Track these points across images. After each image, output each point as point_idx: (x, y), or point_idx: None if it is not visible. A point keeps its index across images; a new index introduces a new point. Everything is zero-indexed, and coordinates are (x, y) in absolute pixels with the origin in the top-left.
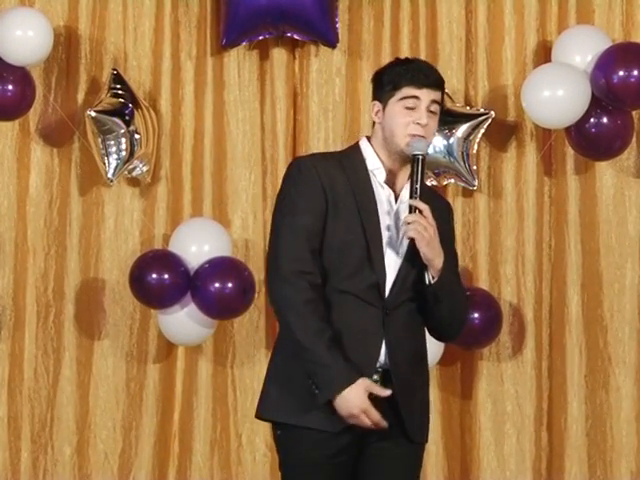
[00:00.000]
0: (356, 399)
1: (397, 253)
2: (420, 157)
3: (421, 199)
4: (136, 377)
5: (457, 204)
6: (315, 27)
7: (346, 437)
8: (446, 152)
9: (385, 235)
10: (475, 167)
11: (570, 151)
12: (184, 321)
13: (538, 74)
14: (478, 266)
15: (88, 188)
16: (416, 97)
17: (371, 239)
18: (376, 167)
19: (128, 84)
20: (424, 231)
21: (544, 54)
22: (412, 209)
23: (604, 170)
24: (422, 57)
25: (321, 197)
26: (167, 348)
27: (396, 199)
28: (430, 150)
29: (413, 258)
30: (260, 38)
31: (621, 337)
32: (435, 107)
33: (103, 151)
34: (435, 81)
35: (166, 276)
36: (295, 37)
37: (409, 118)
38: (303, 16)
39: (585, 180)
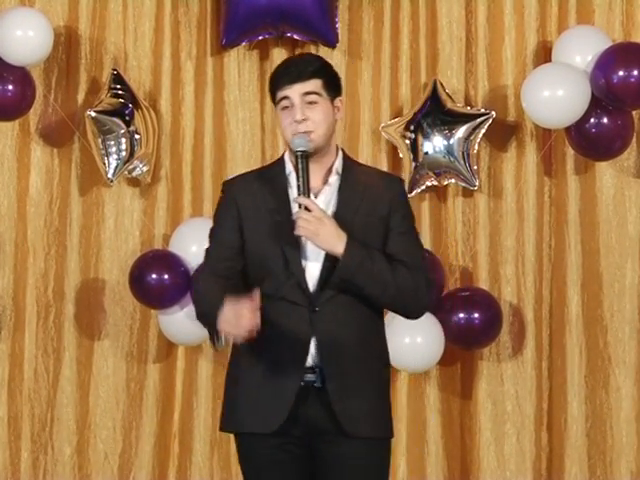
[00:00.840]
0: (224, 313)
1: (315, 248)
2: (299, 153)
3: (359, 181)
4: (136, 377)
5: (457, 204)
6: (315, 27)
7: (284, 437)
8: (446, 152)
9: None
10: (475, 167)
11: (570, 151)
12: (184, 321)
13: (538, 74)
14: (478, 266)
15: (88, 188)
16: (286, 97)
17: (285, 241)
18: (290, 171)
19: (128, 84)
20: (307, 225)
21: (544, 54)
22: (299, 206)
23: (604, 170)
24: (422, 57)
25: (234, 216)
26: (167, 348)
27: (316, 195)
28: (430, 150)
29: None
30: (260, 38)
31: (621, 337)
32: (312, 97)
33: (103, 151)
34: (299, 74)
35: (166, 276)
36: (295, 37)
37: (289, 118)
38: (303, 16)
39: (585, 180)
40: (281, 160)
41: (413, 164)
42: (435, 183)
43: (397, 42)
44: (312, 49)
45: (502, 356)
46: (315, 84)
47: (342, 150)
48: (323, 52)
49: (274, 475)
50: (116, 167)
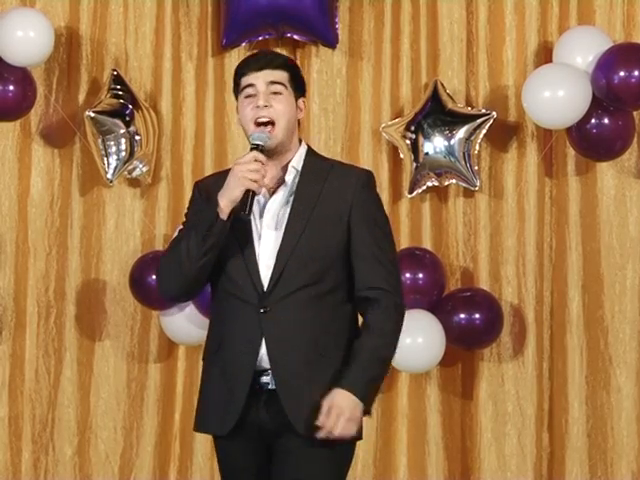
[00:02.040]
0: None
1: (274, 246)
2: (254, 147)
3: (320, 178)
4: (137, 377)
5: (458, 205)
6: (314, 28)
7: (243, 440)
8: (447, 153)
9: (255, 231)
10: (476, 167)
11: (571, 152)
12: (184, 323)
13: (539, 74)
14: (479, 267)
15: (89, 189)
16: (251, 84)
17: (242, 239)
18: None
19: (128, 85)
20: (340, 427)
21: (545, 54)
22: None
23: (605, 171)
24: (423, 58)
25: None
26: (168, 348)
27: (272, 193)
28: (431, 150)
29: (289, 247)
30: (260, 39)
31: (622, 338)
32: (277, 87)
33: (103, 152)
34: (267, 62)
35: None
36: (295, 37)
37: (251, 105)
38: (302, 17)
39: (586, 181)
40: None
41: (414, 164)
42: (436, 183)
43: (398, 43)
44: (313, 50)
45: (503, 356)
46: (282, 75)
47: (308, 146)
48: (323, 52)
49: (241, 477)
50: (115, 167)
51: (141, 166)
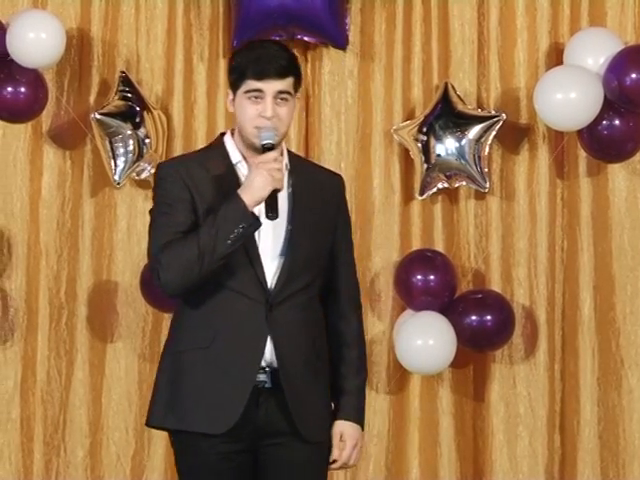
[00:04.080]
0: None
1: (275, 243)
2: (269, 146)
3: (309, 179)
4: (148, 379)
5: (469, 206)
6: (324, 29)
7: (232, 440)
8: (457, 154)
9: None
10: (487, 169)
11: (582, 153)
12: None
13: (550, 76)
14: (491, 268)
15: (100, 190)
16: (259, 90)
17: None
18: (238, 160)
19: (136, 86)
20: (355, 457)
21: (556, 56)
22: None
23: (616, 172)
24: (434, 59)
25: (186, 193)
26: None
27: None
28: (442, 152)
29: (296, 245)
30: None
31: (634, 339)
32: (284, 95)
33: (110, 153)
34: (279, 70)
35: None
36: (305, 39)
37: (255, 111)
38: (312, 18)
39: (597, 182)
40: (220, 145)
41: (425, 166)
42: (446, 185)
43: (409, 44)
44: (324, 51)
45: (514, 358)
46: (289, 83)
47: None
48: (334, 54)
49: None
50: (123, 169)
51: (149, 168)
